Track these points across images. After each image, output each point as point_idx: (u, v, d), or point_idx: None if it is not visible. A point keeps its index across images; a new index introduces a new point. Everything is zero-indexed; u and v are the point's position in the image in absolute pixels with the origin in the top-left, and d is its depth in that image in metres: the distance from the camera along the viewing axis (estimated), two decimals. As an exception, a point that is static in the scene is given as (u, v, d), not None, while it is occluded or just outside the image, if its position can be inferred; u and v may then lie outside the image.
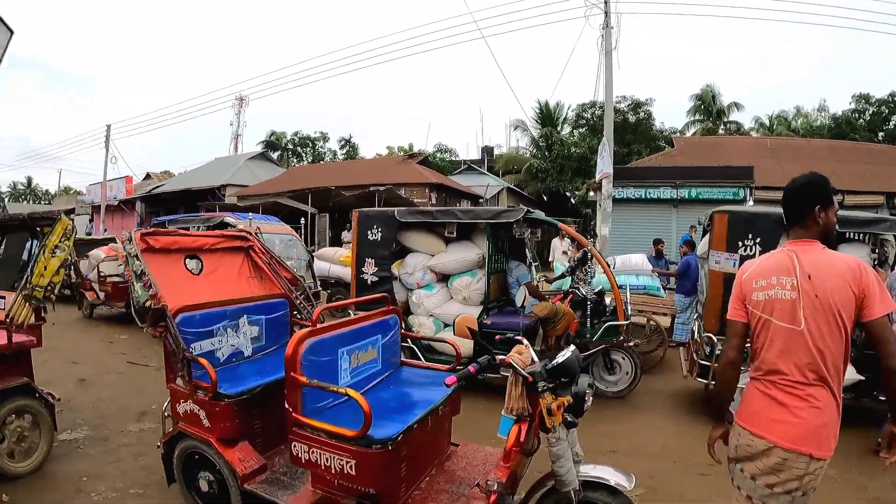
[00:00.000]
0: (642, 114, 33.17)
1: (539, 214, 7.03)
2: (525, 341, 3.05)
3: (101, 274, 11.78)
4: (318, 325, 3.05)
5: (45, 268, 4.52)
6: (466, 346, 5.95)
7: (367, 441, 2.54)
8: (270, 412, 3.30)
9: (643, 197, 18.84)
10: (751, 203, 17.13)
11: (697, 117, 35.10)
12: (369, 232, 6.88)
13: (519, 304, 6.81)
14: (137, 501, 3.96)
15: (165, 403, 3.66)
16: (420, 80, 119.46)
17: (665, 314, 8.74)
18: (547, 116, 34.68)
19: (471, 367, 2.69)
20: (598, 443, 5.05)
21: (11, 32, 6.62)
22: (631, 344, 6.47)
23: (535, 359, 2.89)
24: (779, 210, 5.71)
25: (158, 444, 3.69)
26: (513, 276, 7.36)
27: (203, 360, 3.24)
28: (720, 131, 33.60)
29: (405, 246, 7.01)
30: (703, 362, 5.69)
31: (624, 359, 6.52)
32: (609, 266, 10.04)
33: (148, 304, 3.30)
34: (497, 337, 3.48)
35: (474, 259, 6.62)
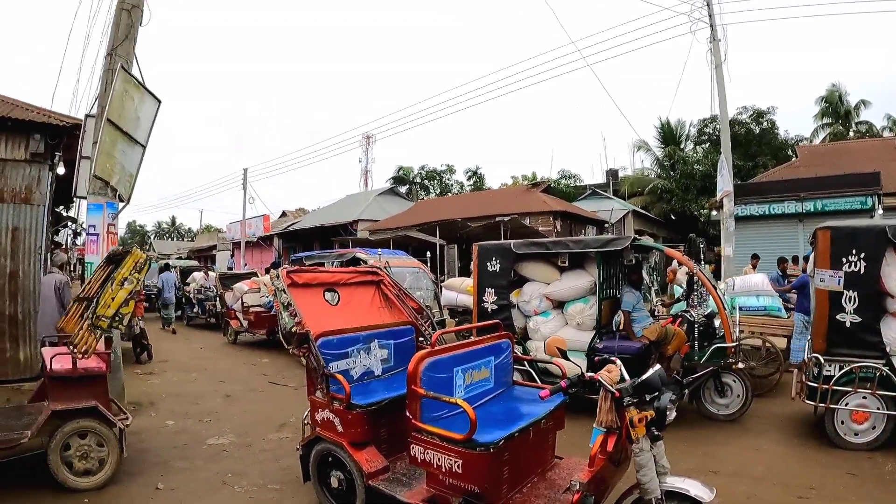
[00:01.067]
0: (766, 123, 31.55)
1: (647, 241, 7.26)
2: (618, 361, 3.37)
3: (245, 304, 13.12)
4: (437, 347, 3.59)
5: (113, 298, 4.83)
6: (573, 366, 6.22)
7: (472, 444, 3.01)
8: (395, 423, 3.82)
9: (767, 213, 18.12)
10: (879, 212, 16.04)
11: (826, 121, 32.63)
12: (489, 263, 7.38)
13: (616, 328, 6.97)
14: (274, 494, 4.65)
15: (305, 412, 4.37)
16: (542, 107, 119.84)
17: (782, 335, 8.54)
18: (668, 134, 33.86)
19: (562, 383, 3.08)
20: (703, 463, 5.19)
21: (159, 102, 7.81)
22: (741, 366, 6.45)
23: (626, 377, 3.21)
24: (883, 222, 5.62)
25: (298, 446, 4.38)
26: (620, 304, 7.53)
27: (339, 376, 3.88)
28: (850, 134, 31.10)
29: (522, 275, 7.43)
30: (810, 384, 5.62)
31: (735, 381, 6.51)
32: (728, 287, 9.99)
33: (294, 329, 4.02)
34: (596, 359, 3.82)
35: (586, 286, 6.93)
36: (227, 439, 6.17)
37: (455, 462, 3.09)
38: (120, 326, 4.98)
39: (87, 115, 7.84)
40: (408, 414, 3.32)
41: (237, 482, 4.92)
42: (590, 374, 3.19)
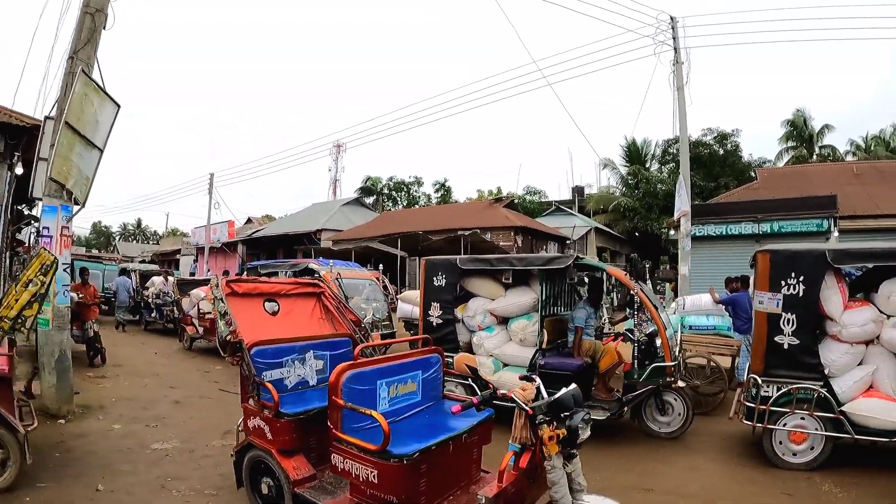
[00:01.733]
0: (730, 145, 32.48)
1: (590, 260, 7.46)
2: (537, 380, 3.50)
3: (201, 311, 13.09)
4: (360, 360, 3.71)
5: (16, 300, 4.77)
6: (510, 382, 6.21)
7: (387, 455, 3.13)
8: (325, 432, 3.89)
9: (724, 233, 18.56)
10: (835, 234, 16.56)
11: (790, 144, 33.60)
12: (435, 278, 7.53)
13: (570, 345, 7.15)
14: (210, 499, 4.75)
15: (239, 420, 4.46)
16: (512, 121, 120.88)
17: (729, 354, 8.76)
18: (634, 153, 34.62)
19: (474, 399, 3.22)
20: (639, 481, 5.33)
21: (118, 107, 7.84)
22: (681, 385, 6.63)
23: (544, 395, 3.35)
24: (822, 246, 5.80)
25: (232, 453, 4.48)
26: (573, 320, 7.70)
27: (269, 385, 3.97)
28: (814, 157, 32.09)
29: (468, 291, 7.59)
30: (748, 404, 5.75)
31: (676, 400, 6.65)
32: (679, 306, 10.22)
33: (228, 337, 4.10)
34: (519, 376, 3.96)
35: (530, 303, 7.10)
36: (171, 444, 6.22)
37: (371, 472, 3.21)
38: (22, 329, 4.87)
39: (46, 117, 7.81)
40: (329, 424, 3.43)
41: (176, 486, 5.00)
42: (502, 391, 3.34)
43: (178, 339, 14.78)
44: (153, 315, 17.53)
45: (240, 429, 4.50)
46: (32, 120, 8.60)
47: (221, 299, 4.26)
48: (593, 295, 7.42)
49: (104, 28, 7.64)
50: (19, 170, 9.18)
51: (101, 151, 7.62)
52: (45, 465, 5.38)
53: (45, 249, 5.37)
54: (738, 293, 9.13)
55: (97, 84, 7.42)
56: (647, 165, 34.31)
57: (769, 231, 17.64)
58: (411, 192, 51.02)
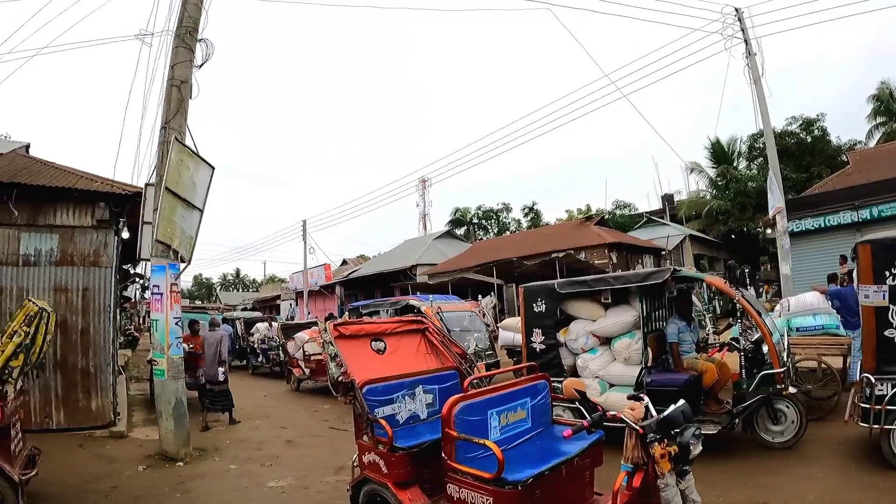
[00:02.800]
0: (816, 131, 30.76)
1: (687, 271, 7.27)
2: (645, 398, 3.49)
3: (306, 353, 13.60)
4: (470, 392, 3.81)
5: (2, 351, 4.85)
6: (618, 402, 6.18)
7: (502, 482, 3.21)
8: (439, 463, 3.96)
9: (822, 226, 17.61)
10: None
11: (880, 120, 30.85)
12: (534, 304, 7.54)
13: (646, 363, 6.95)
14: (327, 533, 4.89)
15: (354, 455, 4.64)
16: (593, 138, 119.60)
17: (839, 354, 8.30)
18: (720, 153, 33.24)
19: (584, 422, 3.24)
20: (753, 495, 5.16)
21: (213, 169, 8.37)
22: (792, 391, 6.34)
23: (653, 413, 3.34)
24: None
25: (348, 487, 4.66)
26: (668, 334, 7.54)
27: (382, 421, 4.13)
28: None
29: (568, 314, 7.55)
30: (863, 405, 5.44)
31: (788, 407, 6.37)
32: (784, 308, 9.78)
33: (340, 378, 4.31)
34: (627, 396, 3.94)
35: (631, 321, 6.97)
36: (287, 482, 6.49)
37: (487, 500, 3.29)
38: (9, 380, 4.92)
39: (146, 184, 8.45)
40: (443, 455, 3.54)
41: (294, 523, 5.20)
42: (611, 412, 3.34)
43: (285, 381, 15.38)
44: (259, 359, 18.36)
45: (354, 464, 4.67)
46: (133, 188, 9.33)
47: (331, 342, 4.49)
48: (682, 307, 7.24)
49: (191, 97, 8.24)
50: (125, 234, 9.93)
51: (202, 211, 8.17)
52: (167, 506, 5.75)
53: (30, 300, 5.49)
54: (845, 286, 8.66)
55: (191, 149, 8.00)
56: (735, 164, 32.80)
57: (869, 217, 16.62)
58: (500, 219, 51.10)
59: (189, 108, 8.19)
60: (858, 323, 7.15)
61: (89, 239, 9.02)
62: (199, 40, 8.43)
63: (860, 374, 5.66)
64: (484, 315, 13.54)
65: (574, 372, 7.36)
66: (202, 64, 8.49)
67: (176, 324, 7.81)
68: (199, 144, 8.17)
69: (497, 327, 13.52)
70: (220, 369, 10.21)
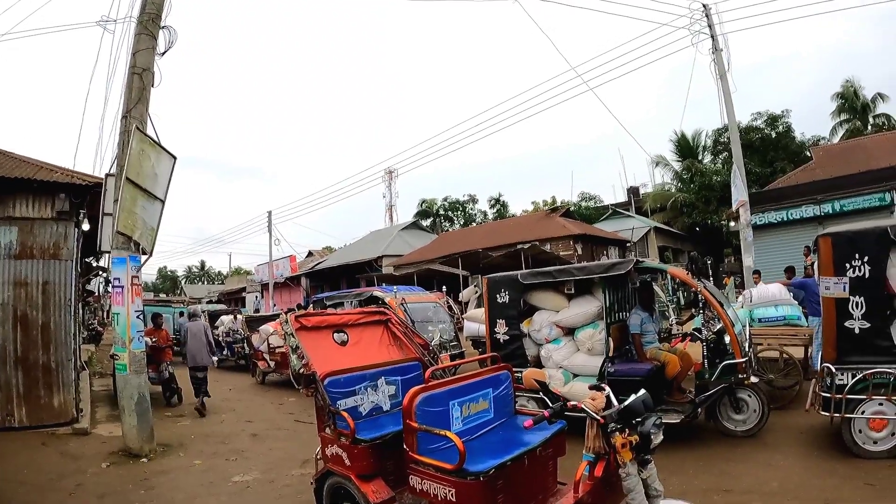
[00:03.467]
0: (781, 127, 31.47)
1: (650, 262, 7.35)
2: (606, 388, 3.51)
3: (271, 346, 13.52)
4: (431, 382, 3.79)
5: None
6: (579, 393, 6.24)
7: (463, 473, 3.19)
8: (401, 455, 3.94)
9: (785, 219, 18.03)
10: (902, 207, 15.85)
11: (843, 117, 31.76)
12: (498, 295, 7.57)
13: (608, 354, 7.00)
14: (294, 527, 4.86)
15: (317, 449, 4.60)
16: (559, 130, 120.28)
17: (801, 344, 8.48)
18: (685, 147, 33.74)
19: (545, 412, 3.24)
20: (717, 482, 5.24)
21: (175, 159, 8.21)
22: (754, 381, 6.43)
23: (615, 403, 3.36)
24: (883, 223, 5.56)
25: (311, 481, 4.63)
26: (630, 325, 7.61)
27: (344, 413, 4.09)
28: (869, 128, 30.41)
29: (532, 305, 7.58)
30: (824, 394, 5.57)
31: (750, 396, 6.49)
32: (746, 299, 9.95)
33: (301, 370, 4.25)
34: (588, 386, 3.96)
35: (594, 311, 7.05)
36: (252, 476, 6.43)
37: (449, 491, 3.28)
38: None
39: (107, 175, 8.27)
40: (405, 447, 3.52)
41: (260, 517, 5.14)
42: (572, 402, 3.35)
43: (250, 374, 15.27)
44: (224, 353, 18.10)
45: (318, 457, 4.63)
46: (94, 178, 9.10)
47: (292, 334, 4.43)
48: (644, 298, 7.31)
49: (153, 86, 8.05)
50: (85, 226, 9.70)
51: (163, 202, 7.99)
52: (131, 503, 5.68)
53: None
54: (808, 277, 8.86)
55: (152, 139, 7.81)
56: (700, 158, 33.36)
57: (831, 211, 17.09)
58: (467, 210, 51.14)
59: (151, 96, 7.99)
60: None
61: (49, 231, 8.77)
62: (162, 27, 8.24)
63: (821, 364, 5.78)
64: (451, 307, 13.54)
65: (538, 362, 7.41)
66: (165, 51, 8.30)
67: (137, 317, 7.65)
68: (161, 134, 8.00)
69: (462, 318, 13.53)
70: (214, 358, 11.04)
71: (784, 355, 8.11)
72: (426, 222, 46.32)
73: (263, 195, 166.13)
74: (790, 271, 10.61)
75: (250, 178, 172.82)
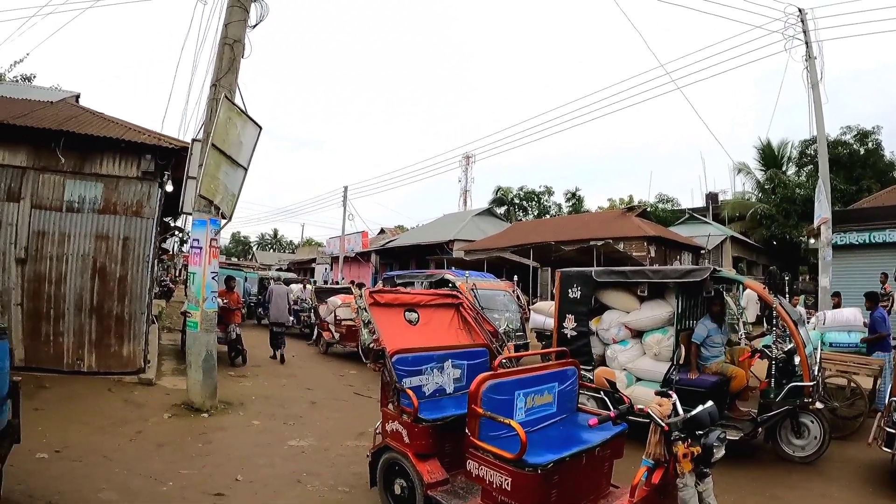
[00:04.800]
0: (870, 144, 29.86)
1: (727, 272, 7.15)
2: (673, 395, 3.48)
3: (337, 317, 13.84)
4: (500, 370, 3.85)
5: None
6: (643, 397, 6.16)
7: (522, 464, 3.24)
8: (460, 439, 4.02)
9: (868, 241, 17.07)
10: None
11: None
12: (570, 290, 7.51)
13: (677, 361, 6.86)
14: (342, 496, 5.03)
15: (377, 422, 4.74)
16: (642, 128, 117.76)
17: (871, 375, 8.12)
18: (769, 156, 32.48)
19: (611, 413, 3.25)
20: (767, 506, 5.08)
21: (260, 129, 8.45)
22: (819, 407, 6.22)
23: (680, 412, 3.33)
24: None
25: (368, 453, 4.75)
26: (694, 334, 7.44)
27: (409, 391, 4.20)
28: None
29: (603, 303, 7.53)
30: (888, 430, 5.35)
31: (813, 422, 6.25)
32: (819, 321, 9.57)
33: (371, 345, 4.40)
34: (655, 392, 3.92)
35: (665, 316, 6.96)
36: (307, 442, 6.61)
37: (506, 480, 3.33)
38: None
39: (193, 140, 8.60)
40: (466, 431, 3.59)
41: (310, 482, 5.32)
42: (639, 406, 3.34)
43: (314, 343, 15.65)
44: (291, 320, 18.60)
45: (377, 431, 4.77)
46: (179, 142, 9.48)
47: (365, 309, 4.56)
48: (715, 309, 7.10)
49: (242, 56, 8.30)
50: (169, 187, 10.13)
51: (246, 170, 8.28)
52: (188, 454, 5.93)
53: None
54: (882, 306, 8.47)
55: (239, 108, 8.08)
56: (784, 169, 32.01)
57: (918, 238, 16.12)
58: (542, 202, 50.64)
59: (240, 67, 8.26)
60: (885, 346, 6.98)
61: (133, 189, 9.20)
62: (254, 0, 8.47)
63: (889, 398, 5.57)
64: (519, 297, 13.50)
65: (602, 362, 7.36)
66: (256, 24, 8.54)
67: (213, 278, 7.97)
68: (248, 104, 8.24)
69: (529, 309, 13.48)
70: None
71: (852, 384, 7.79)
72: (500, 210, 46.15)
73: (341, 171, 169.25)
74: (871, 299, 10.00)
75: (329, 152, 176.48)
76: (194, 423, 7.11)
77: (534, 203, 50.36)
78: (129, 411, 7.34)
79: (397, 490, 4.33)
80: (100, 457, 5.58)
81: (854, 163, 29.36)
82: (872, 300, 9.36)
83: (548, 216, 46.36)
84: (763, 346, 7.07)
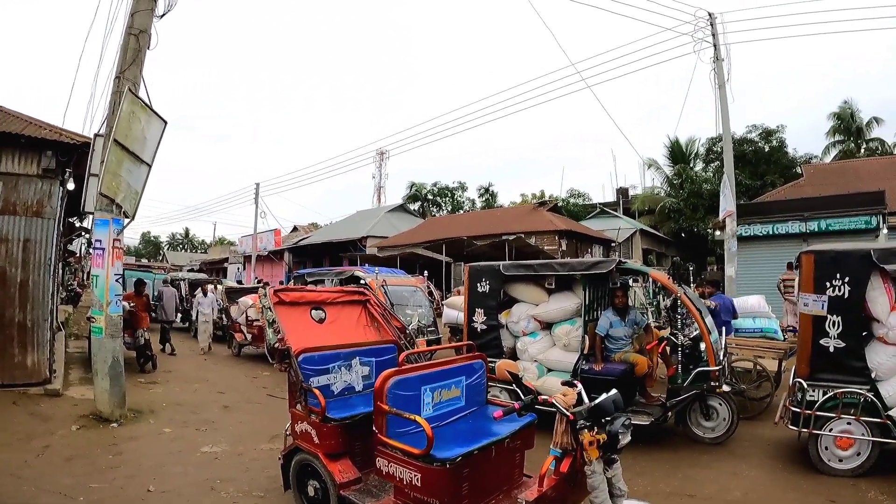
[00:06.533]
0: (775, 142, 31.66)
1: (632, 264, 7.35)
2: (578, 385, 3.52)
3: (249, 318, 13.50)
4: (405, 366, 3.81)
5: None
6: (555, 387, 6.26)
7: (430, 459, 3.21)
8: (370, 436, 3.94)
9: (770, 233, 18.07)
10: (884, 231, 15.99)
11: (837, 138, 32.33)
12: (479, 284, 7.55)
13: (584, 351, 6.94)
14: (257, 501, 4.90)
15: (287, 424, 4.63)
16: (554, 125, 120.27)
17: (775, 358, 8.56)
18: (678, 153, 33.81)
19: (515, 405, 3.26)
20: (681, 486, 5.29)
21: (165, 123, 8.11)
22: (726, 389, 6.47)
23: (586, 400, 3.38)
24: (867, 245, 5.60)
25: (279, 456, 4.63)
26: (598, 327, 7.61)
27: (316, 391, 4.10)
28: (862, 151, 30.92)
29: (512, 296, 7.60)
30: (794, 409, 5.58)
31: (721, 405, 6.51)
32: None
33: (276, 345, 4.25)
34: (561, 382, 3.98)
35: (573, 308, 7.08)
36: (221, 448, 6.41)
37: (415, 476, 3.29)
38: None
39: (95, 135, 8.15)
40: (374, 429, 3.53)
41: (225, 488, 5.16)
42: (544, 396, 3.37)
43: (226, 345, 15.20)
44: (179, 317, 17.90)
45: (287, 433, 4.66)
46: (82, 137, 8.96)
47: (270, 308, 4.43)
48: (617, 301, 7.14)
49: (148, 48, 7.93)
50: (70, 185, 9.59)
51: (150, 166, 7.89)
52: (99, 467, 5.65)
53: None
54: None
55: (144, 102, 7.70)
56: (692, 165, 33.43)
57: (816, 229, 17.16)
58: (456, 197, 50.72)
59: (146, 58, 7.88)
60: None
61: (33, 188, 8.61)
62: (163, -11, 8.10)
63: (793, 379, 5.82)
64: (431, 293, 13.54)
65: (513, 354, 7.44)
66: (164, 14, 8.16)
67: (117, 281, 7.58)
68: (153, 97, 7.86)
69: (442, 304, 13.55)
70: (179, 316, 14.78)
71: (758, 367, 8.16)
72: (414, 206, 45.93)
73: (252, 168, 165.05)
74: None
75: (240, 148, 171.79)
76: (104, 434, 6.80)
77: (448, 199, 50.52)
78: (35, 425, 6.96)
79: (311, 492, 4.24)
80: (6, 475, 5.30)
81: (759, 159, 31.00)
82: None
83: (461, 212, 46.57)
84: (669, 334, 7.33)
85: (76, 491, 4.96)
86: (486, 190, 49.55)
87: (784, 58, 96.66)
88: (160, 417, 7.68)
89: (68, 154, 8.78)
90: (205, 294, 15.43)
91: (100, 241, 7.46)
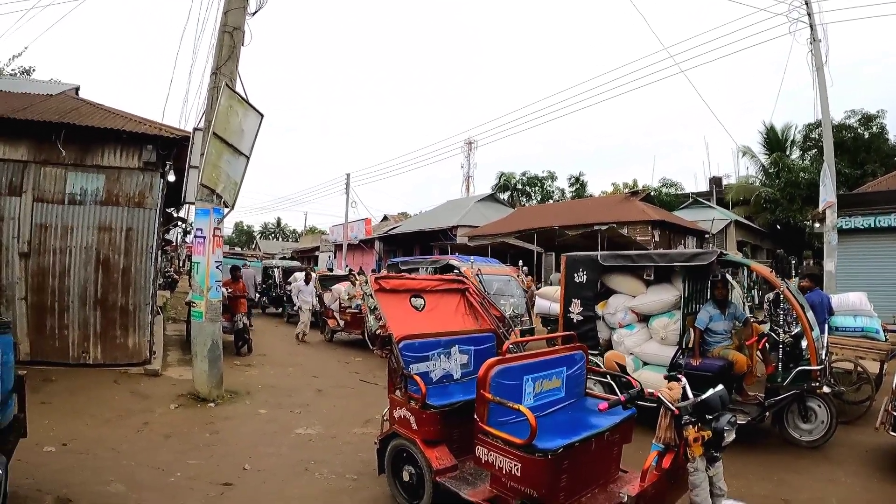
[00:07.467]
0: (875, 128, 29.57)
1: (734, 256, 7.06)
2: (683, 379, 3.45)
3: (342, 305, 13.83)
4: (508, 356, 3.84)
5: None
6: (650, 381, 6.11)
7: (532, 449, 3.22)
8: (468, 425, 3.98)
9: (872, 226, 16.96)
10: None
11: None
12: (576, 274, 7.45)
13: (686, 345, 6.81)
14: (350, 483, 5.03)
15: (385, 409, 4.71)
16: (645, 112, 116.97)
17: (877, 359, 8.07)
18: (773, 140, 32.06)
19: (621, 397, 3.22)
20: (776, 490, 5.09)
21: (262, 116, 8.40)
22: (827, 391, 6.13)
23: (690, 396, 3.30)
24: None
25: (376, 440, 4.73)
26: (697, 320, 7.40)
27: (417, 377, 4.18)
28: None
29: (609, 287, 7.46)
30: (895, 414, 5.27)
31: (820, 407, 6.19)
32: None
33: (378, 331, 4.39)
34: (664, 376, 3.91)
35: (671, 300, 6.87)
36: (314, 430, 6.61)
37: (515, 465, 3.31)
38: None
39: (195, 129, 8.54)
40: (475, 417, 3.57)
41: (318, 469, 5.32)
42: (650, 390, 3.31)
43: (319, 331, 15.63)
44: (296, 308, 18.56)
45: (384, 418, 4.74)
46: (181, 132, 9.45)
47: (371, 295, 4.54)
48: (717, 294, 6.97)
49: (243, 45, 8.24)
50: (171, 177, 10.10)
51: (248, 158, 8.23)
52: (196, 444, 5.94)
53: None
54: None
55: (241, 96, 8.03)
56: (788, 153, 31.64)
57: (923, 222, 16.01)
58: (545, 187, 49.87)
59: (241, 54, 8.20)
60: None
61: (135, 180, 9.15)
62: (254, -13, 8.39)
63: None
64: (524, 282, 13.44)
65: (609, 346, 7.30)
66: (255, 11, 8.46)
67: (217, 267, 7.96)
68: (249, 92, 8.18)
69: (535, 294, 13.44)
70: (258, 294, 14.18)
71: (858, 368, 7.72)
72: (503, 195, 45.48)
73: (343, 159, 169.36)
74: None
75: (332, 140, 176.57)
76: (201, 413, 7.12)
77: (537, 188, 49.69)
78: (135, 403, 7.34)
79: (406, 477, 4.32)
80: (107, 449, 5.58)
81: (858, 147, 29.13)
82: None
83: (551, 201, 45.81)
84: (769, 330, 7.02)
85: (174, 466, 5.20)
86: (577, 179, 48.49)
87: (884, 37, 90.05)
88: (255, 399, 7.98)
89: (168, 148, 9.27)
90: (307, 282, 15.55)
91: (201, 229, 7.84)
